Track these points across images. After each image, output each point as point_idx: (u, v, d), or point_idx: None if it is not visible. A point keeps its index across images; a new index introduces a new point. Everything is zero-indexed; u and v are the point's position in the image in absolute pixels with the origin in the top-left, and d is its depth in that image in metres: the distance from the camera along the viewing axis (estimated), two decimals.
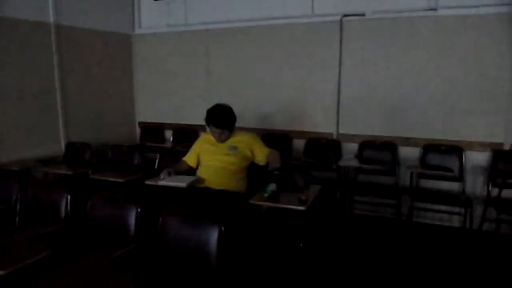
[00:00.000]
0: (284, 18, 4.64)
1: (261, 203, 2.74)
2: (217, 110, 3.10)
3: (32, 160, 4.13)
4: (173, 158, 3.66)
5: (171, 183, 2.89)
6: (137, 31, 5.65)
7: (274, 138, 4.52)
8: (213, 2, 5.10)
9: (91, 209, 2.39)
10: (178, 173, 3.18)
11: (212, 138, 3.19)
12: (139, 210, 2.25)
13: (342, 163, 4.10)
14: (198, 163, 3.27)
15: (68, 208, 2.52)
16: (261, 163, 3.16)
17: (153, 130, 5.64)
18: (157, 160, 3.85)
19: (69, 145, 4.45)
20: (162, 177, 3.04)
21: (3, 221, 2.71)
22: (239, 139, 3.18)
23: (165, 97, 5.59)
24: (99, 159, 4.27)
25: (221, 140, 3.15)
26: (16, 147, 4.09)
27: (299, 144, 4.66)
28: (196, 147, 3.32)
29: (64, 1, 4.50)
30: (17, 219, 2.71)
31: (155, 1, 5.39)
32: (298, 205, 2.56)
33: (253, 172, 3.24)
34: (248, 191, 3.13)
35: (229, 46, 5.04)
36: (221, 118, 3.07)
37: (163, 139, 5.54)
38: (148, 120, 5.76)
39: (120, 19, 5.42)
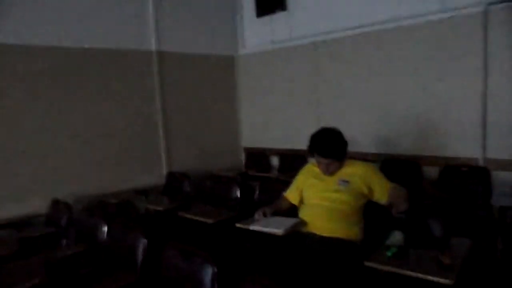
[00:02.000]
0: (403, 19, 3.82)
1: (381, 266, 1.93)
2: (323, 136, 2.47)
3: (131, 190, 4.04)
4: (275, 191, 3.11)
5: (266, 229, 2.33)
6: (241, 51, 5.37)
7: (398, 166, 3.68)
8: (319, 12, 4.52)
9: (165, 260, 1.98)
10: (277, 212, 2.62)
11: (317, 169, 2.56)
12: (215, 270, 1.73)
13: (497, 201, 3.04)
14: (301, 200, 2.66)
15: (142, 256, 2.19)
16: (382, 202, 2.41)
17: (258, 156, 5.22)
18: (256, 193, 3.34)
19: (170, 175, 4.26)
20: (256, 217, 2.50)
21: (86, 263, 2.47)
22: (352, 171, 2.49)
23: (271, 119, 5.15)
24: (199, 190, 3.95)
25: (329, 172, 2.49)
26: (115, 177, 4.05)
27: (430, 173, 3.70)
28: (299, 180, 2.72)
29: (166, 29, 4.43)
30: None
31: (258, 18, 5.05)
32: (440, 275, 1.72)
33: (370, 213, 2.50)
34: (365, 239, 2.40)
35: (339, 58, 4.37)
36: (328, 145, 2.42)
37: (269, 167, 5.07)
38: (254, 146, 5.37)
39: (223, 41, 5.21)
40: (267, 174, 4.53)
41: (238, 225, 2.48)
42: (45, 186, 3.58)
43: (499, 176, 3.34)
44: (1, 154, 3.41)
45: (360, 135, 4.07)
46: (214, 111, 5.13)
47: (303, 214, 2.54)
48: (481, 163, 3.46)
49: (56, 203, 3.29)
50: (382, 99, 4.04)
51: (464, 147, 3.55)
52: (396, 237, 2.13)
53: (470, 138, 3.50)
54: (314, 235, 2.41)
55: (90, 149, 3.89)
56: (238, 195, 3.42)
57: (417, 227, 2.27)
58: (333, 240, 2.34)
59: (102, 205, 3.69)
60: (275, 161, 5.09)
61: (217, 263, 1.73)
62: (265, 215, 2.52)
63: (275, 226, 2.32)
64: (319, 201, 2.48)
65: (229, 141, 5.35)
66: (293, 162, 4.64)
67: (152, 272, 2.09)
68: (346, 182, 2.46)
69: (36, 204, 3.45)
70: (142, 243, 2.18)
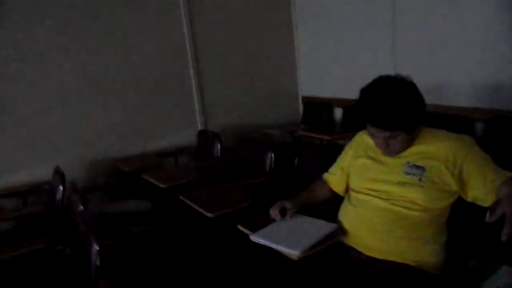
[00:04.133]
0: None
1: None
2: (380, 92, 1.43)
3: (159, 152, 3.40)
4: (325, 161, 2.19)
5: (274, 245, 1.43)
6: None
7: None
8: None
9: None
10: (309, 205, 1.72)
11: (373, 143, 1.57)
12: None
13: None
14: (348, 188, 1.71)
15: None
16: (484, 204, 1.37)
17: (319, 108, 4.20)
18: (296, 162, 2.43)
19: (201, 134, 3.49)
20: (272, 215, 1.63)
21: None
22: (431, 150, 1.45)
23: (336, 61, 4.00)
24: (231, 156, 3.15)
25: (390, 152, 1.50)
26: (137, 138, 3.42)
27: None
28: (346, 157, 1.76)
29: None
30: None
31: None
32: None
33: (459, 221, 1.49)
34: (447, 264, 1.44)
35: None
36: (388, 110, 1.39)
37: (331, 121, 4.05)
38: (314, 94, 4.33)
39: None
40: (323, 136, 3.46)
41: (241, 227, 1.64)
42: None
43: None
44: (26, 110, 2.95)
45: (454, 80, 2.84)
46: (265, 52, 4.11)
47: (343, 215, 1.61)
48: None
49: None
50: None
51: None
52: (506, 278, 1.16)
53: None
54: (358, 254, 1.49)
55: (109, 104, 3.28)
56: (273, 163, 2.54)
57: None
58: (391, 268, 1.40)
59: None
60: (338, 114, 4.04)
61: None
62: (283, 213, 1.63)
63: (291, 240, 1.43)
64: (371, 197, 1.51)
65: (283, 89, 4.32)
66: None
67: None
68: (419, 168, 1.44)
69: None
70: None
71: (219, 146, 3.08)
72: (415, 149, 1.49)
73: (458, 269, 1.40)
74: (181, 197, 2.06)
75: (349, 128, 3.57)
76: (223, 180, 2.42)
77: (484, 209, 1.35)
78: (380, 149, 1.51)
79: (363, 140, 1.67)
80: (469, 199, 1.41)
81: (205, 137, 3.37)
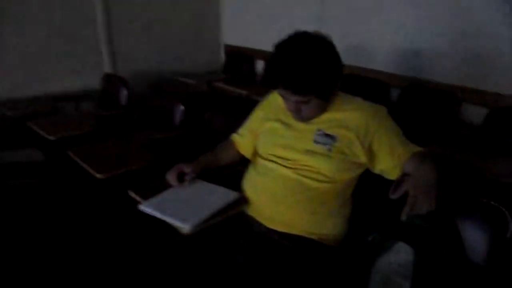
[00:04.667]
0: None
1: None
2: (294, 51, 1.26)
3: (58, 95, 2.96)
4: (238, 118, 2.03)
5: (164, 217, 1.26)
6: None
7: (424, 97, 2.50)
8: None
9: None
10: (214, 170, 1.57)
11: (285, 106, 1.42)
12: None
13: None
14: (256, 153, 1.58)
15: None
16: (389, 177, 1.32)
17: (241, 59, 3.98)
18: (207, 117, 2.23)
19: (106, 79, 3.08)
20: (169, 180, 1.44)
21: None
22: (343, 118, 1.35)
23: (263, 9, 3.75)
24: (141, 103, 2.85)
25: (302, 117, 1.36)
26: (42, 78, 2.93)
27: (473, 115, 2.51)
28: (255, 118, 1.60)
29: None
30: None
31: None
32: None
33: (362, 193, 1.44)
34: (348, 237, 1.40)
35: None
36: (301, 71, 1.23)
37: (252, 74, 3.87)
38: (239, 44, 4.07)
39: None
40: (240, 90, 3.19)
41: (131, 193, 1.43)
42: None
43: None
44: None
45: (378, 44, 2.80)
46: None
47: (247, 183, 1.48)
48: None
49: None
50: None
51: None
52: (401, 254, 1.14)
53: None
54: (259, 225, 1.39)
55: None
56: (183, 118, 2.30)
57: (445, 243, 1.21)
58: (290, 241, 1.32)
59: None
60: (260, 66, 3.86)
61: None
62: (182, 178, 1.46)
63: (184, 211, 1.26)
64: (277, 165, 1.39)
65: (203, 36, 3.99)
66: None
67: None
68: (330, 137, 1.34)
69: None
70: None
71: (126, 93, 2.75)
72: (327, 115, 1.37)
73: (357, 242, 1.36)
74: (69, 152, 1.78)
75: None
76: (125, 133, 2.15)
77: (389, 183, 1.31)
78: (291, 113, 1.37)
79: (276, 101, 1.52)
80: (376, 172, 1.36)
81: (111, 82, 2.98)
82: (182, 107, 2.36)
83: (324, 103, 1.34)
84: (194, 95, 2.88)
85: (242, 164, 1.60)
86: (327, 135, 1.34)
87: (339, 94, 1.39)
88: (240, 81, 3.51)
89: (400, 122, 1.37)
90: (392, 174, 1.30)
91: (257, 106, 1.62)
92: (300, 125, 1.39)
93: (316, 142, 1.34)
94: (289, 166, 1.36)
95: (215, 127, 2.13)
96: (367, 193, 1.45)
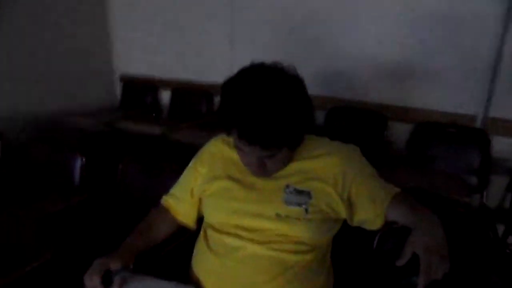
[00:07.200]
0: None
1: None
2: (259, 97, 0.92)
3: None
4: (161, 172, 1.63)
5: None
6: None
7: (351, 117, 2.40)
8: None
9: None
10: (145, 254, 1.14)
11: (235, 156, 1.08)
12: None
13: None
14: (201, 221, 1.19)
15: None
16: (372, 227, 1.07)
17: (142, 90, 3.50)
18: (119, 173, 1.76)
19: None
20: (91, 286, 0.97)
21: None
22: (316, 167, 1.07)
23: (164, 35, 3.35)
24: (20, 157, 2.20)
25: (266, 172, 1.04)
26: None
27: (400, 131, 2.47)
28: (195, 176, 1.20)
29: None
30: None
31: None
32: None
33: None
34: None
35: None
36: (273, 124, 0.91)
37: (156, 106, 3.43)
38: (137, 73, 3.58)
39: None
40: (151, 127, 2.64)
41: None
42: None
43: (503, 143, 2.22)
44: None
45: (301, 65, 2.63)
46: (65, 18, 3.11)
47: (202, 268, 1.09)
48: (479, 123, 2.27)
49: None
50: (340, 18, 2.55)
51: (456, 98, 2.32)
52: None
53: (469, 88, 2.27)
54: None
55: None
56: (83, 178, 1.80)
57: None
58: None
59: None
60: (166, 98, 3.43)
61: None
62: (108, 280, 1.00)
63: None
64: (243, 241, 1.04)
65: (93, 64, 3.41)
66: (193, 102, 3.10)
67: None
68: (303, 194, 1.04)
69: None
70: None
71: None
72: (295, 166, 1.08)
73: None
74: None
75: (179, 117, 3.05)
76: (1, 209, 1.55)
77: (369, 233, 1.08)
78: (251, 168, 1.05)
79: (220, 151, 1.17)
80: (355, 224, 1.10)
81: None
82: (82, 159, 1.85)
83: (292, 152, 1.05)
84: (94, 141, 2.32)
85: (185, 234, 1.21)
86: (299, 192, 1.05)
87: (304, 137, 1.11)
88: (145, 116, 3.05)
89: None
90: (375, 223, 1.05)
91: (194, 159, 1.24)
92: (262, 183, 1.07)
93: (288, 203, 1.03)
94: (259, 240, 1.02)
95: (132, 183, 1.69)
96: (347, 254, 1.19)
